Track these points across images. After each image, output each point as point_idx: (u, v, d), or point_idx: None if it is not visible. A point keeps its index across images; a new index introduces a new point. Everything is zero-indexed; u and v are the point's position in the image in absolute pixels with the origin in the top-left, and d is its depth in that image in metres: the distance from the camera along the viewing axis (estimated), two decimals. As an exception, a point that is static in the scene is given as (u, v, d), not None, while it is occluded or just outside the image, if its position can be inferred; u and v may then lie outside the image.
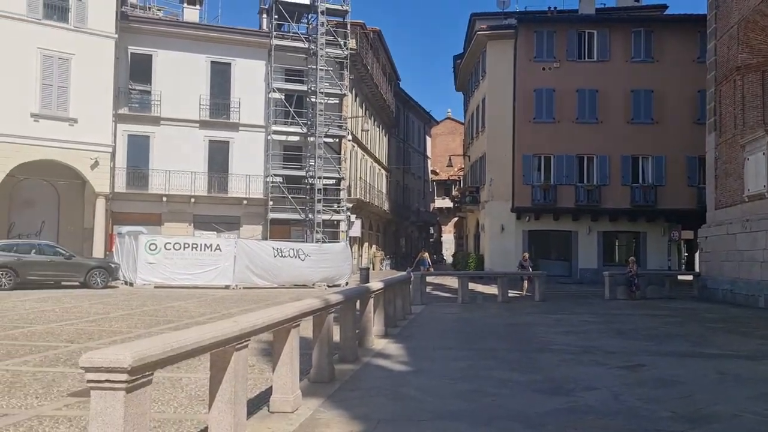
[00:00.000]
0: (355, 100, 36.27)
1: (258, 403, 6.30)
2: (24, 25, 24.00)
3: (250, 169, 30.60)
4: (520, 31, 31.52)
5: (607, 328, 13.23)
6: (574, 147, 30.82)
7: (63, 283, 21.59)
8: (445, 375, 8.00)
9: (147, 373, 3.33)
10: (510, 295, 20.30)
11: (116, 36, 26.44)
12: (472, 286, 22.64)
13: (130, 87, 29.40)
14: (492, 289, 22.90)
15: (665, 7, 36.19)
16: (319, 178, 30.81)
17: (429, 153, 65.91)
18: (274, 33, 31.15)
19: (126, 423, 3.18)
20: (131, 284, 23.05)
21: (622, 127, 30.84)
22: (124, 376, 3.14)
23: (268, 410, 5.89)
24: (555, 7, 36.25)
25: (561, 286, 27.09)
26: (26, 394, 6.72)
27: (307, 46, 31.60)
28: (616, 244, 33.29)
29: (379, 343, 10.34)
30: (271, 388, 6.14)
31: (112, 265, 22.64)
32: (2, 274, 19.83)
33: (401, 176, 53.31)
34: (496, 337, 11.83)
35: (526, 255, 24.63)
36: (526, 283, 22.88)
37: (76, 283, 21.52)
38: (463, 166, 47.96)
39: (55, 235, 26.71)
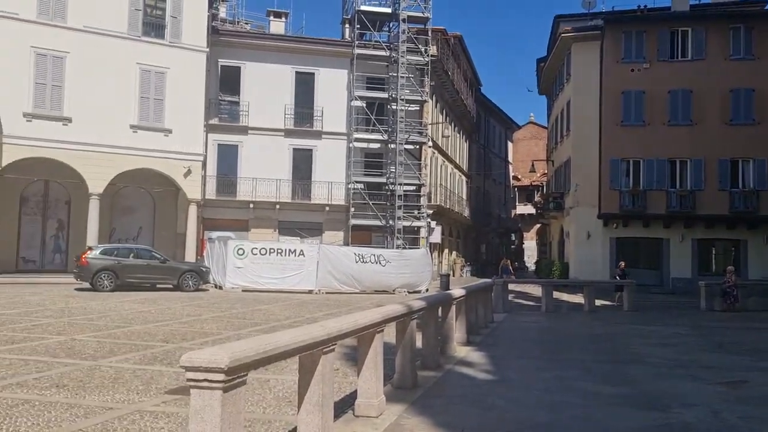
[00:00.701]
0: (436, 107, 36.26)
1: (343, 406, 6.39)
2: (124, 42, 25.60)
3: (333, 176, 31.20)
4: (607, 32, 30.50)
5: (704, 341, 12.54)
6: (665, 150, 29.43)
7: (158, 285, 22.74)
8: (530, 385, 7.83)
9: (242, 373, 3.46)
10: (597, 304, 19.61)
11: (207, 50, 27.71)
12: (556, 294, 22.06)
13: (220, 98, 30.73)
14: (578, 299, 22.21)
15: (765, 2, 34.01)
16: (400, 184, 30.98)
17: (510, 158, 64.86)
18: (356, 42, 31.67)
19: (223, 421, 3.31)
20: (221, 287, 23.99)
21: (719, 129, 29.17)
22: (221, 376, 3.28)
23: (354, 414, 5.96)
24: (645, 6, 34.83)
25: (651, 296, 25.91)
26: (128, 390, 7.13)
27: (388, 54, 31.93)
28: (713, 252, 31.44)
29: (461, 351, 10.25)
30: (355, 392, 6.21)
31: (203, 269, 23.66)
32: (104, 277, 21.13)
33: (482, 182, 52.73)
34: (584, 348, 11.46)
35: (623, 264, 23.74)
36: (621, 294, 21.59)
37: (170, 286, 22.61)
38: (546, 171, 46.86)
39: (151, 240, 28.26)
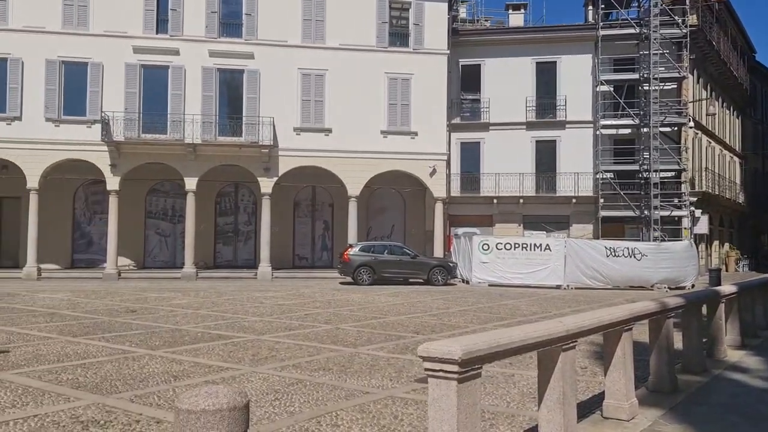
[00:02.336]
0: (698, 82, 32.51)
1: (590, 406, 6.11)
2: (374, 54, 27.70)
3: (578, 167, 29.88)
4: None
5: None
6: None
7: (410, 280, 24.15)
8: (823, 400, 6.61)
9: (476, 366, 3.51)
10: None
11: (448, 52, 28.57)
12: None
13: (461, 97, 31.47)
14: None
15: None
16: (656, 171, 28.43)
17: (796, 133, 55.29)
18: (601, 23, 29.88)
19: (459, 411, 3.40)
20: (467, 282, 24.57)
21: None
22: (455, 367, 3.37)
23: (601, 415, 5.66)
24: None
25: None
26: (382, 376, 7.71)
27: (637, 31, 29.53)
28: None
29: (733, 355, 9.07)
30: (603, 392, 5.89)
31: (451, 264, 24.50)
32: (363, 272, 23.13)
33: (760, 163, 45.87)
34: None
35: None
36: None
37: (420, 281, 23.85)
38: None
39: (402, 237, 30.10)
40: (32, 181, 24.78)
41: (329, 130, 26.85)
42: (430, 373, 3.50)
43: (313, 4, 26.85)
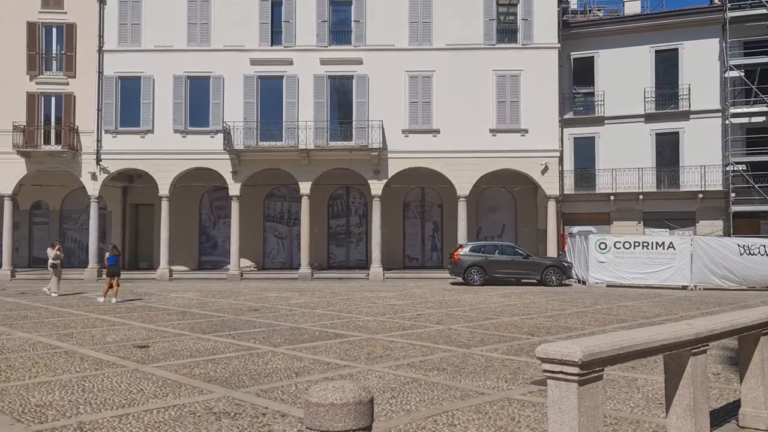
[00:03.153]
0: (843, 62, 29.38)
1: (725, 415, 5.72)
2: (481, 52, 27.40)
3: (705, 160, 27.89)
4: None
5: None
6: None
7: (522, 280, 23.66)
8: None
9: (597, 368, 3.42)
10: None
11: (559, 45, 27.71)
12: None
13: (573, 91, 30.37)
14: None
15: None
16: (796, 161, 25.98)
17: None
18: (729, 5, 27.75)
19: (580, 414, 3.32)
20: (584, 282, 23.70)
21: None
22: (575, 369, 3.30)
23: (737, 425, 5.30)
24: None
25: None
26: (497, 378, 7.64)
27: (770, 10, 27.17)
28: None
29: None
30: (739, 400, 5.50)
31: (565, 264, 23.73)
32: (474, 272, 22.96)
33: None
34: None
35: None
36: None
37: (533, 281, 23.30)
38: None
39: (513, 236, 29.54)
40: (163, 189, 26.79)
41: (437, 131, 26.90)
42: (549, 374, 3.44)
43: (420, 6, 27.02)
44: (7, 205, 26.77)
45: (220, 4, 26.95)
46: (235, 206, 26.85)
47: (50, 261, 18.94)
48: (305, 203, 26.81)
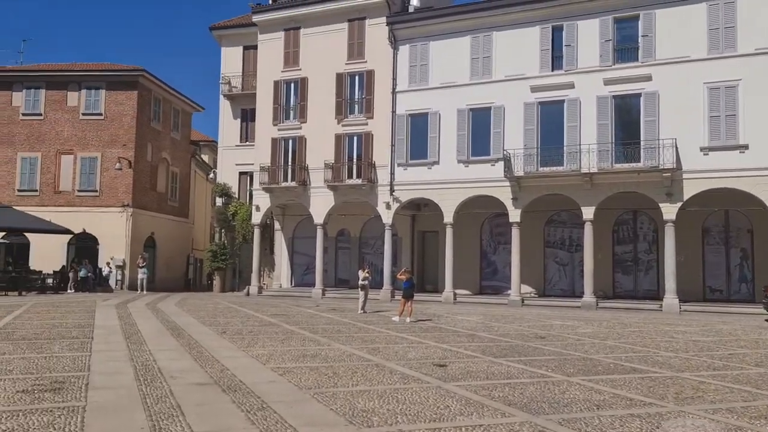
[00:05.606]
0: None
1: None
2: (692, 64, 24.42)
3: None
4: None
5: None
6: None
7: None
8: None
9: None
10: None
11: None
12: None
13: None
14: None
15: None
16: None
17: None
18: None
19: None
20: None
21: None
22: None
23: None
24: None
25: None
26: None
27: None
28: None
29: None
30: None
31: None
32: None
33: None
34: None
35: None
36: None
37: None
38: None
39: None
40: (448, 217, 28.29)
41: (745, 146, 23.73)
42: None
43: (721, 10, 24.32)
44: (320, 233, 30.98)
45: (501, 37, 27.79)
46: (515, 232, 27.08)
47: (360, 282, 21.33)
48: (588, 229, 25.83)
